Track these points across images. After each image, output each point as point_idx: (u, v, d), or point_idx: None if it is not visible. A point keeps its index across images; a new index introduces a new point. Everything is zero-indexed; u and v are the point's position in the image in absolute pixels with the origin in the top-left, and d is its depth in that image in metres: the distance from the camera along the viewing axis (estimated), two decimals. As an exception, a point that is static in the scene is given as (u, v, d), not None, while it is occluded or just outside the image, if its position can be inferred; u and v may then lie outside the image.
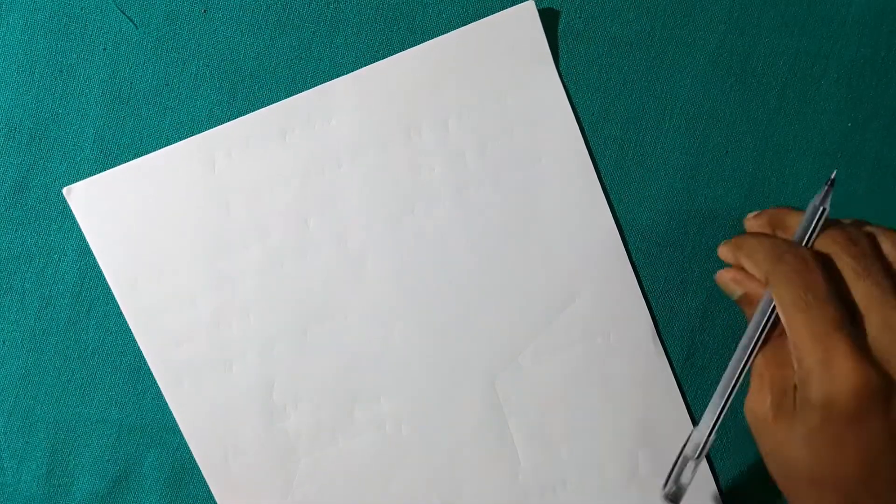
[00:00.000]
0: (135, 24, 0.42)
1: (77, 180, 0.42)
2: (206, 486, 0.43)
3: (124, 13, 0.42)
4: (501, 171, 0.42)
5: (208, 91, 0.42)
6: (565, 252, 0.42)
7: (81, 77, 0.42)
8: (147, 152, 0.42)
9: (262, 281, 0.42)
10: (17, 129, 0.42)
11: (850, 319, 0.31)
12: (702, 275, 0.43)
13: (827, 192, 0.35)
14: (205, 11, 0.42)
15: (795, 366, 0.32)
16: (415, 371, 0.42)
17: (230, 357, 0.42)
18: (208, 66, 0.42)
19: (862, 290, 0.32)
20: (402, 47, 0.42)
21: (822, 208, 0.34)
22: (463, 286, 0.42)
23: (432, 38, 0.42)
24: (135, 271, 0.42)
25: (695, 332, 0.43)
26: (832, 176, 0.35)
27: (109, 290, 0.42)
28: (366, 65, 0.42)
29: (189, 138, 0.42)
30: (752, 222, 0.38)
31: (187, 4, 0.42)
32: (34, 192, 0.42)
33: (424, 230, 0.42)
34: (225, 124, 0.42)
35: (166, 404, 0.42)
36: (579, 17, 0.42)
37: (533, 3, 0.41)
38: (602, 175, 0.43)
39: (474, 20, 0.42)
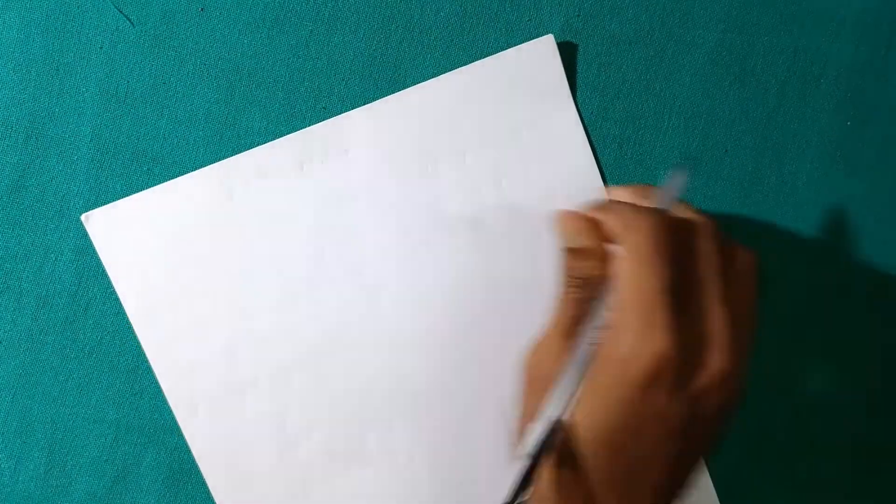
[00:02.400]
0: (131, 22, 0.42)
1: (74, 179, 0.42)
2: (205, 486, 0.43)
3: (121, 11, 0.42)
4: (517, 204, 0.42)
5: (205, 89, 0.42)
6: None
7: (78, 75, 0.42)
8: (144, 151, 0.42)
9: (278, 311, 0.42)
10: (14, 128, 0.42)
11: (679, 291, 0.31)
12: (700, 274, 0.43)
13: (676, 179, 0.35)
14: (202, 10, 0.42)
15: (610, 317, 0.31)
16: (428, 402, 0.42)
17: (245, 386, 0.42)
18: (205, 64, 0.42)
19: (707, 269, 0.32)
20: (400, 46, 0.42)
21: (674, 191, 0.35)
22: (477, 318, 0.42)
23: (430, 36, 0.42)
24: (152, 299, 0.41)
25: (693, 332, 0.43)
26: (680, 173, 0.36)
27: (107, 289, 0.42)
28: (362, 64, 0.42)
29: (207, 167, 0.41)
30: (615, 191, 0.37)
31: (184, 2, 0.42)
32: (31, 191, 0.42)
33: (439, 263, 0.42)
34: (242, 153, 0.42)
35: (164, 404, 0.42)
36: (578, 17, 0.42)
37: (552, 37, 0.41)
38: (602, 175, 0.43)
39: (472, 16, 0.42)
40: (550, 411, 0.31)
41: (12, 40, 0.42)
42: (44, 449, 0.43)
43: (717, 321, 0.31)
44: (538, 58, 0.42)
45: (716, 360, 0.31)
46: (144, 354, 0.42)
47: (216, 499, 0.42)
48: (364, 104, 0.42)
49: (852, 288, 0.43)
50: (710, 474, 0.43)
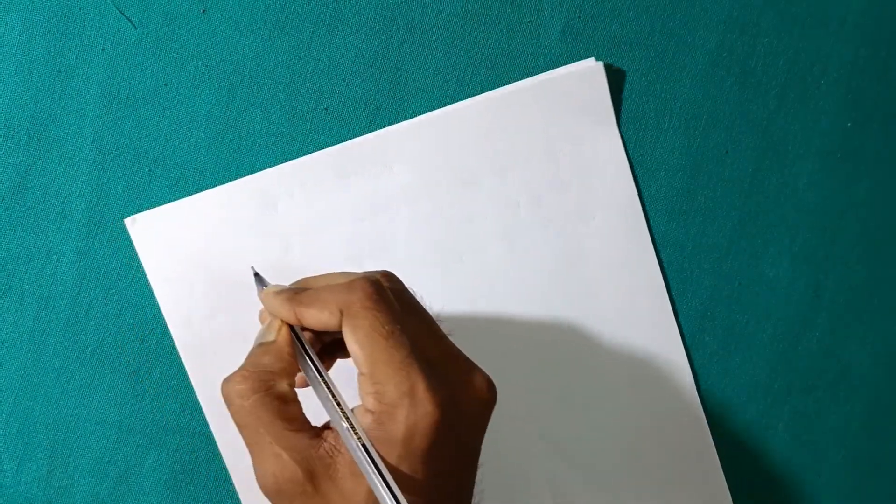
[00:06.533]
0: (133, 25, 0.42)
1: (75, 181, 0.42)
2: (206, 487, 0.43)
3: (123, 13, 0.42)
4: (554, 224, 0.42)
5: (207, 91, 0.42)
6: (612, 309, 0.42)
7: (80, 77, 0.42)
8: (145, 153, 0.42)
9: None
10: (16, 130, 0.42)
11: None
12: (701, 275, 0.43)
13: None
14: (204, 11, 0.42)
15: (371, 404, 0.30)
16: None
17: None
18: (207, 66, 0.42)
19: (415, 322, 0.32)
20: (401, 47, 0.42)
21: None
22: (508, 334, 0.42)
23: (431, 37, 0.42)
24: (190, 306, 0.42)
25: (695, 333, 0.43)
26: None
27: (108, 290, 0.42)
28: (363, 65, 0.42)
29: (252, 175, 0.42)
30: (274, 298, 0.33)
31: (186, 4, 0.42)
32: (33, 192, 0.42)
33: (473, 277, 0.42)
34: (288, 163, 0.42)
35: (165, 405, 0.42)
36: (579, 18, 0.42)
37: (602, 64, 0.41)
38: (641, 201, 0.43)
39: (473, 20, 0.42)
40: None
41: (14, 42, 0.42)
42: (46, 451, 0.42)
43: (454, 347, 0.32)
44: (586, 82, 0.42)
45: (479, 381, 0.32)
46: (146, 356, 0.42)
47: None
48: (365, 105, 0.42)
49: (855, 289, 0.43)
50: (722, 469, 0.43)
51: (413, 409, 0.29)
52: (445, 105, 0.42)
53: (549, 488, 0.42)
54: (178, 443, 0.43)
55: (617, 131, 0.42)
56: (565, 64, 0.42)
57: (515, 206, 0.42)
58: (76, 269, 0.42)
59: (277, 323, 0.33)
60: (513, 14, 0.42)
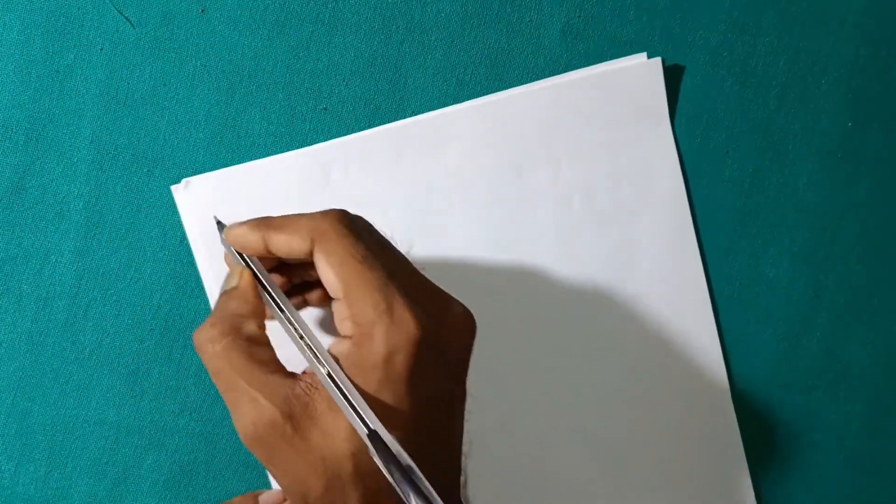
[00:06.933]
0: (132, 24, 0.42)
1: (74, 181, 0.42)
2: (205, 488, 0.42)
3: (121, 13, 0.42)
4: (603, 220, 0.42)
5: (206, 91, 0.42)
6: (655, 312, 0.42)
7: (78, 77, 0.42)
8: (144, 153, 0.42)
9: None
10: (14, 130, 0.42)
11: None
12: (702, 275, 0.43)
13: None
14: (202, 11, 0.42)
15: (348, 328, 0.29)
16: (501, 401, 0.42)
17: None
18: (206, 65, 0.42)
19: (388, 255, 0.31)
20: (400, 46, 0.42)
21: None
22: (553, 328, 0.42)
23: (430, 36, 0.42)
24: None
25: (695, 333, 0.43)
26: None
27: (106, 291, 0.42)
28: (362, 65, 0.42)
29: (309, 147, 0.41)
30: (240, 227, 0.33)
31: (185, 4, 0.42)
32: (31, 192, 0.42)
33: (522, 268, 0.42)
34: (346, 137, 0.41)
35: (164, 406, 0.42)
36: (579, 17, 0.42)
37: (660, 60, 0.41)
38: (690, 203, 0.43)
39: (473, 16, 0.42)
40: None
41: (13, 42, 0.41)
42: (44, 451, 0.42)
43: (429, 280, 0.32)
44: (643, 77, 0.41)
45: (457, 309, 0.32)
46: (144, 357, 0.42)
47: None
48: (364, 105, 0.42)
49: (855, 289, 0.43)
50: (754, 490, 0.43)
51: (392, 326, 0.29)
52: (445, 105, 0.42)
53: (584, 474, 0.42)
54: (177, 444, 0.42)
55: (670, 131, 0.42)
56: (566, 63, 0.42)
57: (568, 200, 0.42)
58: (74, 270, 0.42)
59: (239, 268, 0.32)
60: (513, 14, 0.42)
